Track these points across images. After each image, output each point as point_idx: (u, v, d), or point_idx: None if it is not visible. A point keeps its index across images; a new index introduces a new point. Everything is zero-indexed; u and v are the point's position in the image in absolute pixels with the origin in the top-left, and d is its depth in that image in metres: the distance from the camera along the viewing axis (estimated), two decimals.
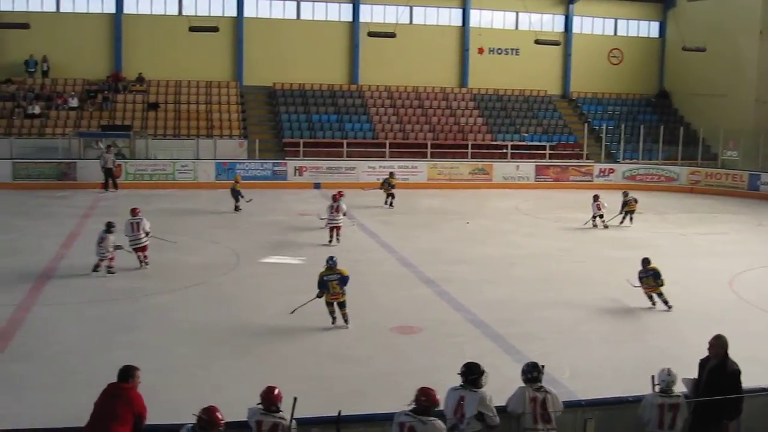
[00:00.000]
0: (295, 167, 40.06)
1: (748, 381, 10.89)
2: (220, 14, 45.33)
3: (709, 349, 10.34)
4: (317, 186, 39.21)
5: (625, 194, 32.12)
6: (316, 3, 47.35)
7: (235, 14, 45.97)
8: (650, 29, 53.33)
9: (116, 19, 44.58)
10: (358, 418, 9.55)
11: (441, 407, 9.17)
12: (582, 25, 51.86)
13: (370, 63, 47.73)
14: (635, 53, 52.51)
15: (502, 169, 42.70)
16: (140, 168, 38.38)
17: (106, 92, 43.53)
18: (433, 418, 8.65)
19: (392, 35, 41.22)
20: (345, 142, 42.51)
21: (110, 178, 36.74)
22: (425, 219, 31.68)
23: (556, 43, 45.92)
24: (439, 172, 41.51)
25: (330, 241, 25.63)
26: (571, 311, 18.81)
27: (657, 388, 9.70)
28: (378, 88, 47.94)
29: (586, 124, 47.37)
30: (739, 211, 36.16)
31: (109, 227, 21.30)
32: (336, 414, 9.01)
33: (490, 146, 44.93)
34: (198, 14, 44.15)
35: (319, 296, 16.86)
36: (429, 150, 43.20)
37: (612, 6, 51.98)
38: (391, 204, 33.81)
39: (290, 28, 46.76)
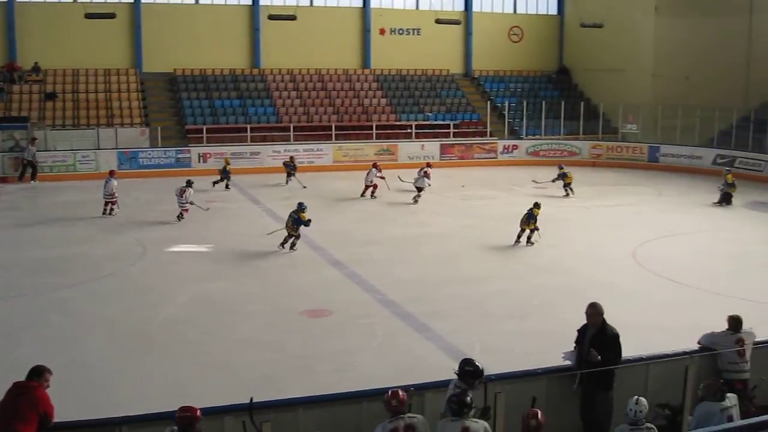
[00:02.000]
0: (199, 154, 39.57)
1: (652, 348, 11.28)
2: (117, 0, 44.44)
3: (587, 318, 10.63)
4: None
5: (560, 167, 34.04)
6: None
7: (132, 0, 45.14)
8: (549, 6, 53.92)
9: (8, 7, 43.22)
10: (271, 404, 9.51)
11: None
12: (482, 3, 52.09)
13: (272, 46, 47.32)
14: (535, 30, 53.04)
15: (407, 148, 42.88)
16: (40, 160, 37.35)
17: (0, 83, 42.36)
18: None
19: (293, 18, 41.05)
20: (248, 126, 42.07)
21: (33, 170, 36.34)
22: (332, 201, 31.68)
23: (456, 22, 46.24)
24: (345, 154, 41.50)
25: (414, 201, 31.24)
26: (478, 288, 19.10)
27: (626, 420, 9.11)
28: (280, 71, 47.57)
29: (488, 102, 47.73)
30: (640, 183, 37.06)
31: (189, 183, 27.69)
32: (248, 401, 8.96)
33: (394, 126, 45.05)
34: (94, 1, 43.17)
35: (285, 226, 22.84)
36: (333, 132, 43.05)
37: None
38: (286, 182, 35.60)
39: (189, 13, 46.05)
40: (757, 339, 11.37)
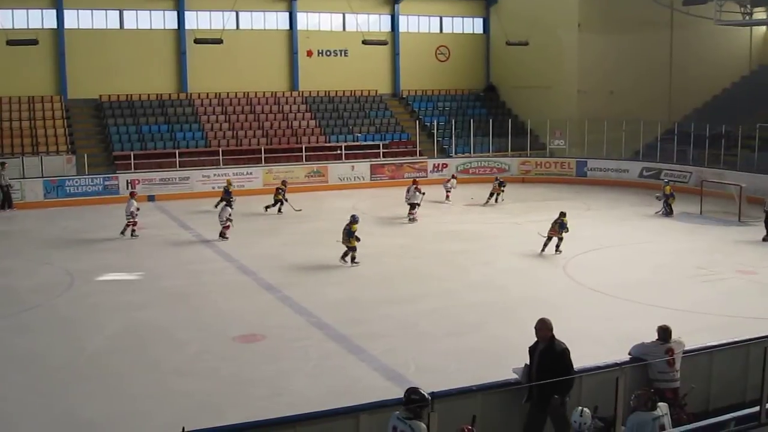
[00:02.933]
0: (127, 180, 39.01)
1: (586, 360, 11.32)
2: (40, 26, 43.68)
3: (536, 333, 10.70)
4: (151, 198, 38.36)
5: (496, 179, 36.46)
6: (139, 11, 46.19)
7: (55, 26, 44.34)
8: (474, 26, 54.53)
9: None
10: None
11: None
12: (408, 24, 52.53)
13: (199, 70, 46.98)
14: (461, 49, 53.59)
15: (338, 170, 42.90)
16: None
17: None
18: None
19: (219, 41, 40.78)
20: (177, 152, 41.63)
21: (6, 197, 35.56)
22: (263, 225, 31.52)
23: (383, 43, 46.39)
24: (275, 177, 41.23)
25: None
26: (413, 307, 19.10)
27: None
28: (208, 95, 47.23)
29: (417, 121, 48.02)
30: (569, 198, 37.39)
31: (229, 202, 30.04)
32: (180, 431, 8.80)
33: (324, 148, 44.99)
34: (16, 27, 42.40)
35: None
36: (263, 155, 42.82)
37: (436, 4, 52.87)
38: (279, 210, 33.83)
39: (114, 38, 45.49)
40: (687, 348, 11.54)
